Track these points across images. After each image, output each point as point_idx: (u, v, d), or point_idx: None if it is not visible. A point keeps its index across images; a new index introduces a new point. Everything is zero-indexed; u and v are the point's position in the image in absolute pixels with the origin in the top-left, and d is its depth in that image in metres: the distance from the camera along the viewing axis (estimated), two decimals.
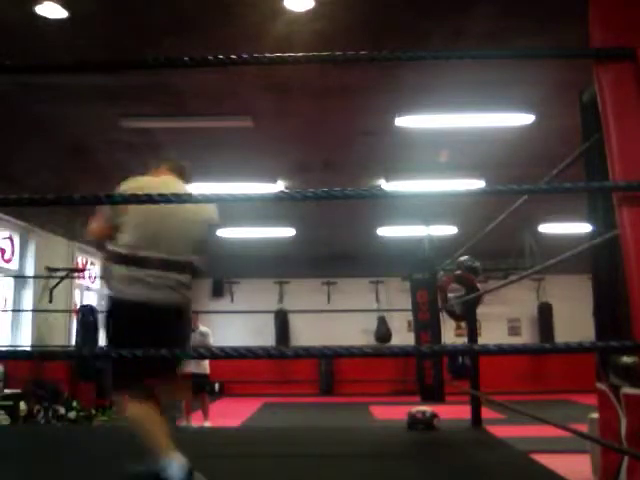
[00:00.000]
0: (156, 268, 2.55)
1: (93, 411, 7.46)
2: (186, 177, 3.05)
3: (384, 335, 12.37)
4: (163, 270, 2.56)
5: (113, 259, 2.60)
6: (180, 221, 2.65)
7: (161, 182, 2.81)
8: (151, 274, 2.54)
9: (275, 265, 12.38)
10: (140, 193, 2.04)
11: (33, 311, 7.58)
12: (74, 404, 7.01)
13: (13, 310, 7.54)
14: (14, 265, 7.66)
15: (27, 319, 7.61)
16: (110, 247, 2.63)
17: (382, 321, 12.44)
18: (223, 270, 11.51)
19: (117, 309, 2.58)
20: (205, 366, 6.90)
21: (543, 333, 12.19)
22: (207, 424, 6.66)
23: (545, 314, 12.27)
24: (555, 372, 11.42)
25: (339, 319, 11.63)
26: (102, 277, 2.78)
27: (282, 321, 12.32)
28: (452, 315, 5.81)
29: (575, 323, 9.86)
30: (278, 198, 1.97)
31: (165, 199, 1.92)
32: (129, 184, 2.68)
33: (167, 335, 2.50)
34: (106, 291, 2.67)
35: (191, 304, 2.74)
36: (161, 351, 1.69)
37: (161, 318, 2.54)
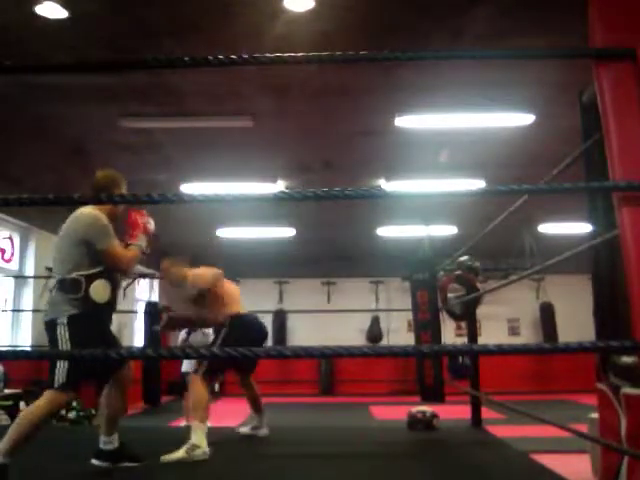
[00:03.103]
0: None
1: (93, 411, 7.46)
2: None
3: (376, 335, 12.40)
4: None
5: None
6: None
7: None
8: None
9: (275, 265, 12.37)
10: (141, 194, 2.04)
11: (33, 311, 7.58)
12: (74, 404, 7.01)
13: (13, 310, 7.54)
14: (14, 265, 7.66)
15: (27, 319, 7.60)
16: None
17: (376, 321, 12.47)
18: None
19: None
20: None
21: (546, 333, 12.17)
22: (207, 424, 6.65)
23: (547, 314, 12.26)
24: (555, 372, 11.41)
25: (339, 319, 11.63)
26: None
27: (280, 321, 12.31)
28: (452, 315, 5.81)
29: (575, 323, 9.86)
30: (278, 198, 1.97)
31: (166, 199, 1.92)
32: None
33: None
34: None
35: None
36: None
37: None
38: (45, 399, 2.81)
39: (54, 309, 2.88)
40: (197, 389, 3.83)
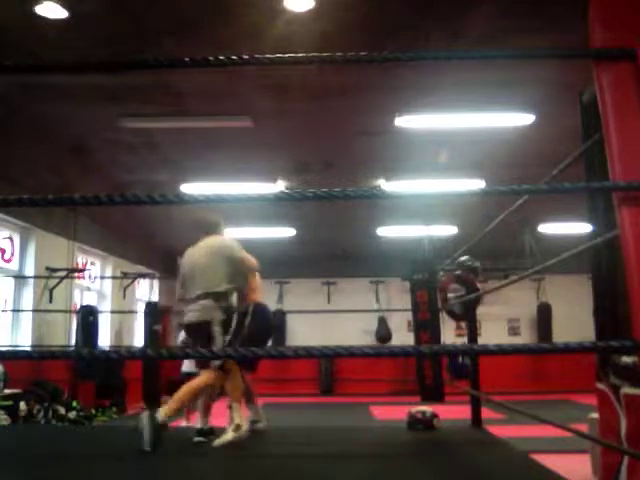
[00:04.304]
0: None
1: (93, 411, 7.47)
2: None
3: (384, 335, 12.37)
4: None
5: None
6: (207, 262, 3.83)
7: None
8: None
9: (275, 265, 12.37)
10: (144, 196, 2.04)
11: (33, 311, 7.57)
12: (74, 404, 7.01)
13: (13, 310, 7.53)
14: (14, 265, 7.66)
15: (27, 319, 7.60)
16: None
17: (382, 321, 12.45)
18: None
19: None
20: None
21: (541, 333, 12.18)
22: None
23: (544, 314, 12.26)
24: (555, 372, 11.41)
25: (339, 319, 11.63)
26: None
27: (279, 322, 12.30)
28: (452, 315, 5.80)
29: (574, 323, 9.86)
30: (278, 198, 1.98)
31: (166, 199, 1.92)
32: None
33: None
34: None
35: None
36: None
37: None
38: (204, 375, 3.67)
39: (206, 313, 3.69)
40: (235, 376, 4.02)
